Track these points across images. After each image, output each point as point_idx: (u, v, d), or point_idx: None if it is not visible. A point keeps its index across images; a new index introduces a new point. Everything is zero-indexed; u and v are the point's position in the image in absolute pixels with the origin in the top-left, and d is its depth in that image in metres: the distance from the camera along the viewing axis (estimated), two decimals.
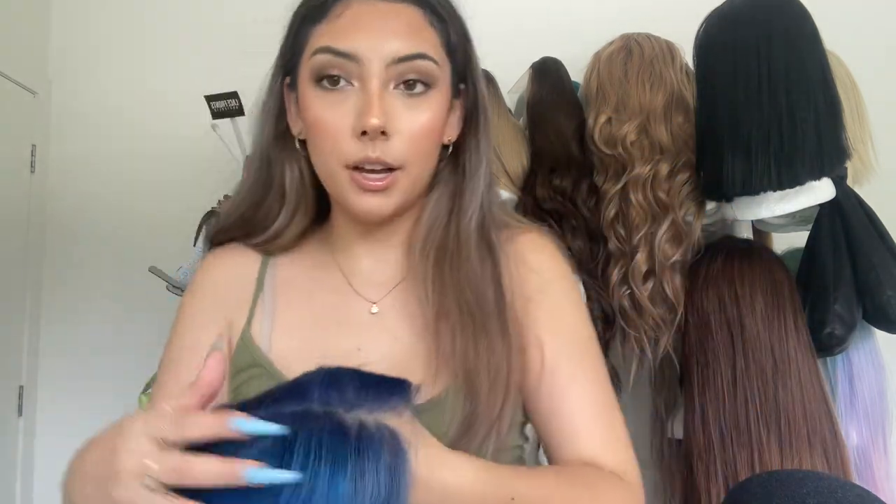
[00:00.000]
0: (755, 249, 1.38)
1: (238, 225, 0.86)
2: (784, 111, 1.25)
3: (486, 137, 0.83)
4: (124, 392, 1.91)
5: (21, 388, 2.17)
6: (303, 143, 0.79)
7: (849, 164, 1.34)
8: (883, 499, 0.72)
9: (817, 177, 1.27)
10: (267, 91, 0.82)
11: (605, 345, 1.41)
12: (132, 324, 2.16)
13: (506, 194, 1.48)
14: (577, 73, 1.57)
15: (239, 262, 0.85)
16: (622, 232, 1.40)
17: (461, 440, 0.69)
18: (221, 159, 1.83)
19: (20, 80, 2.17)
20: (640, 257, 1.37)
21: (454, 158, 0.83)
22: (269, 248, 0.85)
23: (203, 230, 1.70)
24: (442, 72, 0.76)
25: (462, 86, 0.82)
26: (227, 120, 1.74)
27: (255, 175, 0.83)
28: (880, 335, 1.38)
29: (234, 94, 1.70)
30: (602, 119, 1.42)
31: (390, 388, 0.60)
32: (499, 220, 0.83)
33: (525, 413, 0.80)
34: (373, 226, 0.81)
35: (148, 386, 1.71)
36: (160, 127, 2.21)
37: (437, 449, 0.61)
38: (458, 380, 0.73)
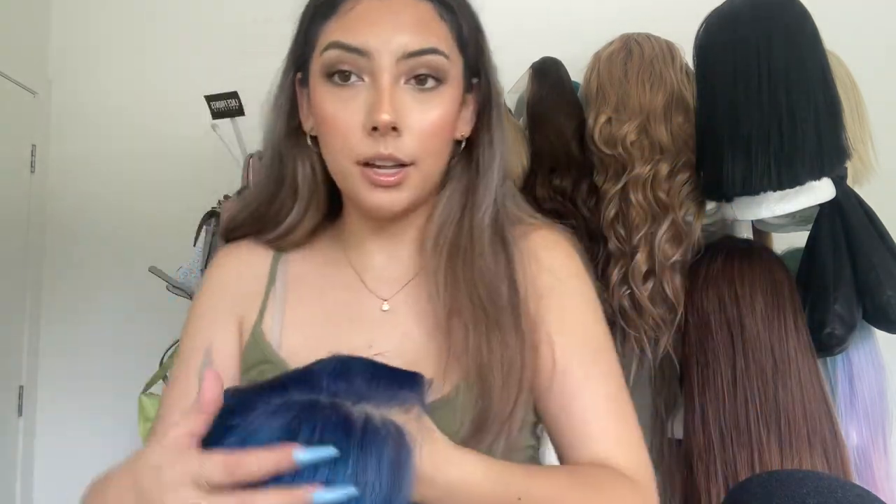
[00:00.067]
0: (755, 249, 1.38)
1: (250, 221, 0.85)
2: (784, 111, 1.25)
3: (500, 132, 0.82)
4: (124, 392, 1.91)
5: (21, 388, 2.17)
6: (314, 139, 0.79)
7: (849, 164, 1.34)
8: (883, 499, 0.72)
9: (817, 177, 1.27)
10: (278, 87, 0.82)
11: None
12: (132, 324, 2.16)
13: None
14: (577, 73, 1.57)
15: (250, 259, 0.85)
16: (622, 232, 1.40)
17: (472, 438, 0.69)
18: (221, 159, 1.84)
19: (20, 80, 2.17)
20: (640, 257, 1.37)
21: (467, 154, 0.82)
22: (281, 245, 0.85)
23: (204, 229, 1.70)
24: (453, 66, 0.76)
25: (475, 80, 0.81)
26: (227, 120, 1.74)
27: (266, 171, 0.83)
28: (880, 335, 1.38)
29: (234, 94, 1.70)
30: (602, 119, 1.42)
31: (401, 382, 0.60)
32: (513, 215, 0.82)
33: (536, 413, 0.80)
34: (385, 222, 0.80)
35: (148, 386, 1.71)
36: (160, 127, 2.21)
37: (443, 446, 0.60)
38: (471, 377, 0.72)
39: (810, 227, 1.37)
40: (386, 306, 0.81)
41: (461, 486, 0.60)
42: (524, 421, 0.76)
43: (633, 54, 1.45)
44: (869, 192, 1.40)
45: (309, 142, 0.80)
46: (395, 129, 0.71)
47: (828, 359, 1.36)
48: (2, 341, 2.11)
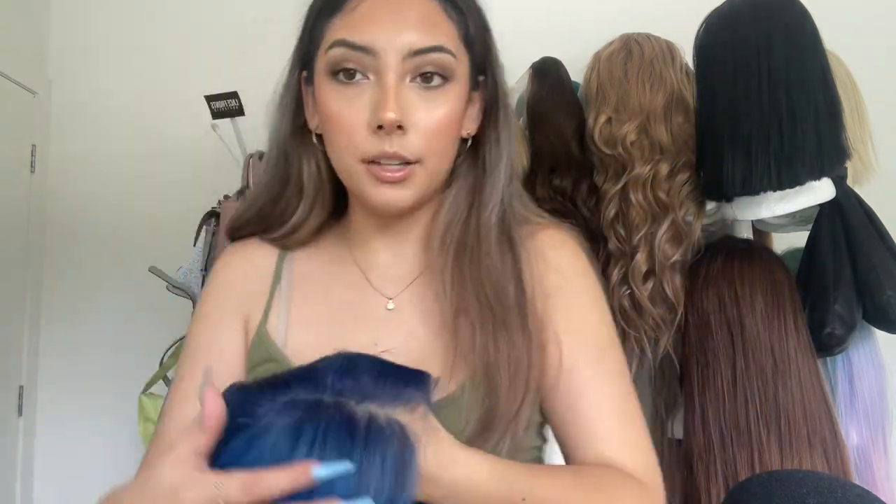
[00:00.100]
0: (755, 249, 1.38)
1: (255, 220, 0.85)
2: (784, 111, 1.25)
3: (507, 131, 0.81)
4: (124, 392, 1.91)
5: (21, 388, 2.17)
6: (320, 137, 0.79)
7: (849, 164, 1.34)
8: (883, 499, 0.72)
9: (817, 177, 1.27)
10: (283, 86, 0.82)
11: None
12: (132, 324, 2.17)
13: None
14: (577, 73, 1.57)
15: (256, 257, 0.85)
16: (622, 232, 1.40)
17: (478, 438, 0.69)
18: (221, 159, 1.84)
19: (20, 80, 2.17)
20: (640, 257, 1.37)
21: (474, 152, 0.82)
22: (287, 243, 0.85)
23: (204, 229, 1.70)
24: (459, 64, 0.75)
25: (481, 78, 0.80)
26: (227, 120, 1.74)
27: (272, 170, 0.83)
28: (880, 335, 1.38)
29: (234, 94, 1.70)
30: (602, 119, 1.42)
31: (407, 380, 0.60)
32: (519, 215, 0.82)
33: (542, 412, 0.79)
34: (390, 219, 0.80)
35: (148, 386, 1.71)
36: (160, 127, 2.21)
37: (448, 445, 0.60)
38: (477, 376, 0.72)
39: (810, 227, 1.37)
40: (391, 305, 0.81)
41: (465, 486, 0.60)
42: (530, 421, 0.75)
43: (633, 54, 1.45)
44: (869, 192, 1.40)
45: (314, 140, 0.80)
46: (400, 127, 0.70)
47: (828, 359, 1.36)
48: (2, 341, 2.11)
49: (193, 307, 1.70)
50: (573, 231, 0.86)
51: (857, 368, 1.36)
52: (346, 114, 0.72)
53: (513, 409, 0.70)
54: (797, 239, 1.46)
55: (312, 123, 0.80)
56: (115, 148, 2.25)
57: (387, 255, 0.83)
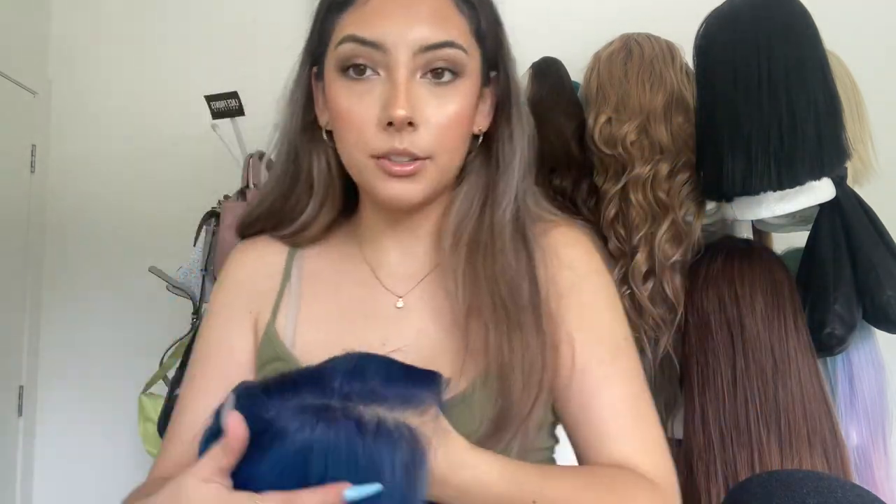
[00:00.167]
0: (755, 249, 1.38)
1: (266, 216, 0.85)
2: (784, 111, 1.24)
3: (521, 127, 0.80)
4: (124, 392, 1.91)
5: (21, 388, 2.17)
6: (330, 133, 0.78)
7: (849, 164, 1.34)
8: (883, 499, 0.72)
9: (817, 177, 1.27)
10: (294, 81, 0.81)
11: None
12: (132, 324, 2.17)
13: None
14: (577, 73, 1.57)
15: (266, 254, 0.85)
16: (622, 232, 1.40)
17: (490, 438, 0.68)
18: (221, 159, 1.84)
19: (20, 80, 2.17)
20: (640, 257, 1.37)
21: (486, 149, 0.81)
22: (297, 240, 0.85)
23: (204, 229, 1.70)
24: (471, 59, 0.74)
25: (493, 73, 0.80)
26: (227, 120, 1.74)
27: (282, 166, 0.83)
28: (880, 335, 1.38)
29: (234, 94, 1.70)
30: (602, 119, 1.42)
31: (418, 381, 0.59)
32: (533, 212, 0.81)
33: (554, 412, 0.78)
34: (400, 215, 0.79)
35: (148, 386, 1.71)
36: (160, 127, 2.21)
37: (459, 447, 0.60)
38: (490, 374, 0.72)
39: (810, 227, 1.37)
40: (400, 303, 0.80)
41: (475, 487, 0.60)
42: (543, 421, 0.75)
43: (633, 54, 1.45)
44: (869, 192, 1.40)
45: (324, 136, 0.79)
46: (411, 123, 0.70)
47: (828, 359, 1.36)
48: (2, 341, 2.11)
49: (193, 307, 1.71)
50: (586, 228, 0.85)
51: (857, 368, 1.36)
52: (356, 110, 0.72)
53: (525, 410, 0.70)
54: (797, 239, 1.46)
55: (323, 120, 0.79)
56: (115, 148, 2.25)
57: (397, 252, 0.82)
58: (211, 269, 1.67)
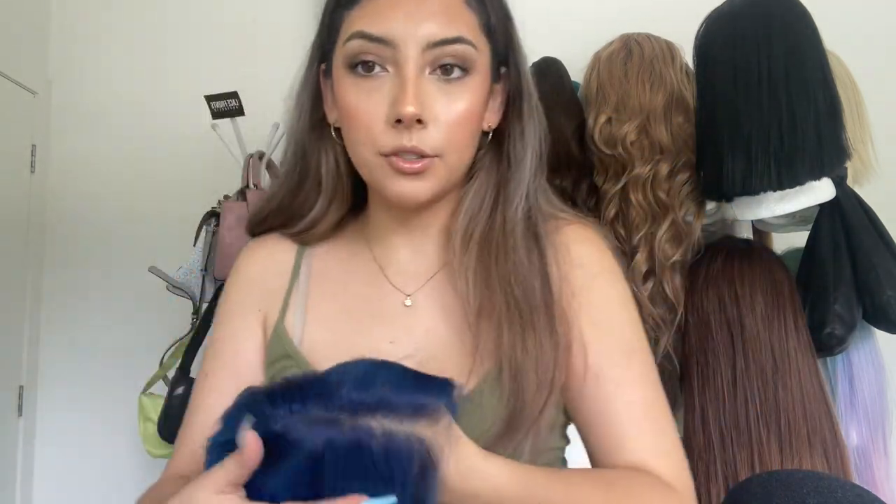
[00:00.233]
0: (755, 249, 1.38)
1: (275, 214, 0.85)
2: (784, 111, 1.24)
3: (532, 123, 0.79)
4: (124, 392, 1.91)
5: (21, 388, 2.17)
6: (338, 131, 0.78)
7: (849, 164, 1.34)
8: (883, 499, 0.72)
9: (817, 177, 1.27)
10: (302, 79, 0.80)
11: None
12: (132, 324, 2.16)
13: None
14: (577, 73, 1.57)
15: (276, 252, 0.85)
16: (622, 232, 1.40)
17: (502, 438, 0.68)
18: (221, 159, 1.83)
19: (20, 80, 2.17)
20: (640, 257, 1.37)
21: (497, 146, 0.80)
22: (306, 238, 0.84)
23: (204, 229, 1.70)
24: (480, 55, 0.73)
25: (503, 69, 0.78)
26: (227, 120, 1.74)
27: (291, 164, 0.82)
28: (880, 335, 1.38)
29: (234, 94, 1.70)
30: (602, 119, 1.42)
31: (429, 389, 0.59)
32: (545, 210, 0.80)
33: (567, 414, 0.78)
34: (409, 213, 0.79)
35: (148, 386, 1.71)
36: (160, 127, 2.21)
37: (471, 456, 0.60)
38: (501, 375, 0.71)
39: (810, 227, 1.37)
40: (409, 301, 0.80)
41: (487, 493, 0.60)
42: (554, 421, 0.74)
43: (633, 54, 1.45)
44: (869, 192, 1.39)
45: (333, 134, 0.79)
46: (419, 121, 0.69)
47: (828, 359, 1.36)
48: (2, 341, 2.11)
49: (193, 307, 1.70)
50: (598, 227, 0.84)
51: (857, 368, 1.36)
52: (364, 107, 0.71)
53: (536, 411, 0.69)
54: (797, 239, 1.46)
55: (331, 117, 0.78)
56: (115, 148, 2.25)
57: (406, 250, 0.81)
58: (211, 269, 1.67)
